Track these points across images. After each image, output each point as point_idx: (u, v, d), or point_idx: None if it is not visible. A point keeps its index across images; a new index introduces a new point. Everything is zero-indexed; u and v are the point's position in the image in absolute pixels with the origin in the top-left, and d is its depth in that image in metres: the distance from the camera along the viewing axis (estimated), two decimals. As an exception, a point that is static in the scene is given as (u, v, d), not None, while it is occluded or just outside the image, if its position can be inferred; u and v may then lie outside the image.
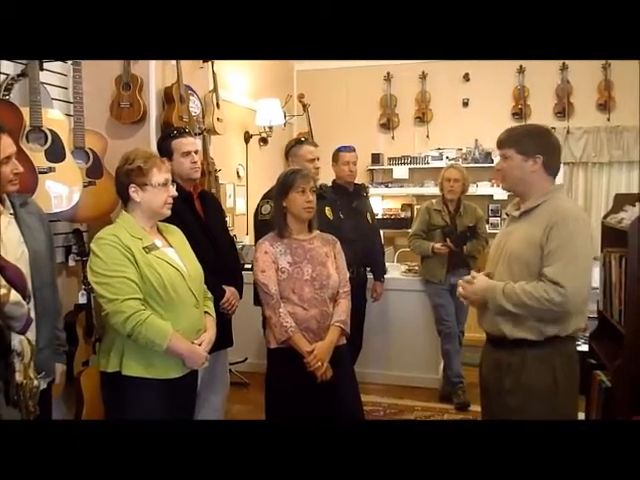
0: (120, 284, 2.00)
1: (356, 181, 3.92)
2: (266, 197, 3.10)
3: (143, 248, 2.08)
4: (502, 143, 2.13)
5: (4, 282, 1.53)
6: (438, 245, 3.96)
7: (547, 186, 2.09)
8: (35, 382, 1.78)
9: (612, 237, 2.72)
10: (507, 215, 2.24)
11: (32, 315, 1.66)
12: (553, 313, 1.97)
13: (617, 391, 2.35)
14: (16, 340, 1.66)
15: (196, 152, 2.79)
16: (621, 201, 2.89)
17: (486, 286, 2.09)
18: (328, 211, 3.47)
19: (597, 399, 2.60)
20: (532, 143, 2.07)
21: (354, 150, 3.84)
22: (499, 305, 2.02)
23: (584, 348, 3.06)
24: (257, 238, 2.78)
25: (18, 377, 1.67)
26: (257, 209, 3.20)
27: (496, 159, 5.77)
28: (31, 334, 1.79)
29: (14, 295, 1.54)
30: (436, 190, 4.35)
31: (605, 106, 5.75)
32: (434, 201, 4.17)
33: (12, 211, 2.04)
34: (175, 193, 2.20)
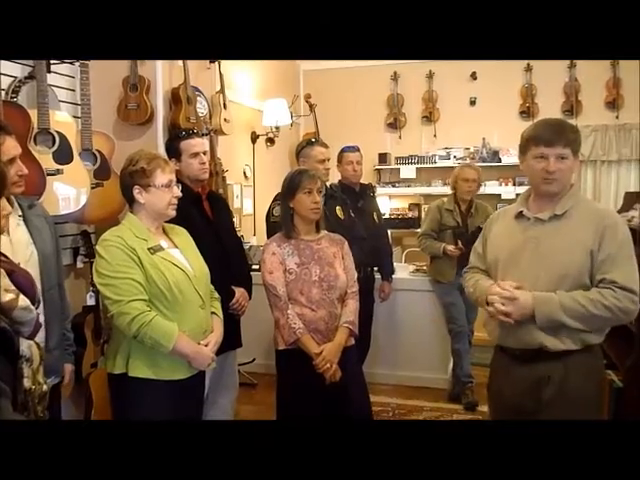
0: (125, 285, 2.00)
1: (363, 181, 3.90)
2: (277, 199, 3.10)
3: (148, 249, 2.08)
4: (559, 141, 1.88)
5: (13, 287, 1.53)
6: (451, 247, 3.90)
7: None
8: (44, 387, 1.77)
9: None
10: (522, 215, 2.00)
11: (41, 320, 1.65)
12: (613, 322, 1.85)
13: (628, 391, 2.33)
14: (25, 345, 1.65)
15: (205, 153, 2.78)
16: (631, 199, 2.89)
17: (536, 301, 1.86)
18: (339, 211, 3.45)
19: (608, 399, 2.58)
20: (578, 141, 1.94)
21: (358, 150, 3.80)
22: (554, 319, 1.84)
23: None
24: (270, 239, 2.77)
25: (26, 383, 1.66)
26: (269, 211, 3.18)
27: (504, 157, 5.81)
28: (40, 336, 1.78)
29: (22, 300, 1.53)
30: (443, 189, 4.32)
31: (613, 104, 5.70)
32: (445, 200, 4.10)
33: (20, 213, 2.05)
34: (179, 194, 2.20)
